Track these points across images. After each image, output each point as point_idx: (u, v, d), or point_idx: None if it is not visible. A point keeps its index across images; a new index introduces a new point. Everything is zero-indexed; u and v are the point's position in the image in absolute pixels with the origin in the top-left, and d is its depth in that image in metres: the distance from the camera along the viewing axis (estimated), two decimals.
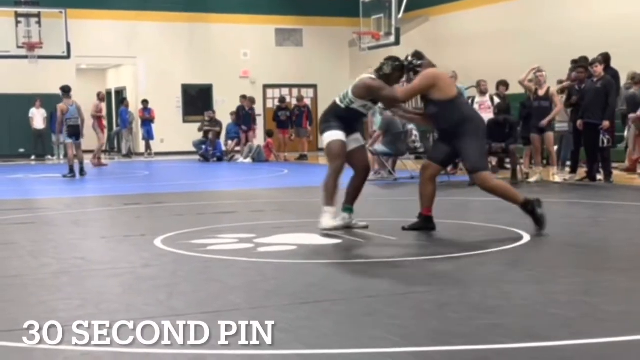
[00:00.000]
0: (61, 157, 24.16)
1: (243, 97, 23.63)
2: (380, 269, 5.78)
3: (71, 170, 16.06)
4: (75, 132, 16.19)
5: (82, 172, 16.26)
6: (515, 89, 15.42)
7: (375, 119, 15.16)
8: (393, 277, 5.44)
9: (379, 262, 6.03)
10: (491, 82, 16.95)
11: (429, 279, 5.32)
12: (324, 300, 4.69)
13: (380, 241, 6.92)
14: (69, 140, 16.29)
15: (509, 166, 14.28)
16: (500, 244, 6.70)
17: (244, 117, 23.11)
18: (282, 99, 24.20)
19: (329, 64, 28.28)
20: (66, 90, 16.35)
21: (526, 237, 6.97)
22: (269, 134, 23.16)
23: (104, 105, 22.25)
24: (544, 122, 13.19)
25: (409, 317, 4.24)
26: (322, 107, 30.18)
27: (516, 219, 8.35)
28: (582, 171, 13.69)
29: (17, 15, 23.24)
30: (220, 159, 22.91)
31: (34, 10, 23.37)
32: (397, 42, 23.17)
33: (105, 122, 22.61)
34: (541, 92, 13.35)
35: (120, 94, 28.90)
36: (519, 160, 13.44)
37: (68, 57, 23.51)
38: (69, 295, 4.92)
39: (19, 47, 23.09)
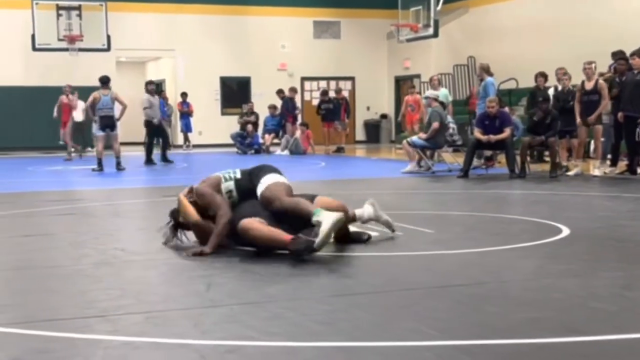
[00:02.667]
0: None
1: (292, 89, 23.71)
2: (417, 262, 5.77)
3: (99, 163, 15.82)
4: (109, 123, 15.95)
5: (118, 166, 15.96)
6: (554, 80, 15.26)
7: (428, 111, 15.08)
8: (430, 270, 5.42)
9: (415, 255, 6.01)
10: (530, 74, 16.81)
11: (466, 272, 5.29)
12: (360, 293, 4.69)
13: (417, 234, 6.90)
14: (100, 133, 16.10)
15: (548, 159, 14.16)
16: (539, 237, 6.65)
17: (292, 108, 23.06)
18: (324, 92, 24.08)
19: (367, 57, 28.23)
20: (103, 80, 16.19)
21: (565, 231, 6.91)
22: (306, 125, 23.16)
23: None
24: (592, 117, 13.05)
25: (447, 310, 4.23)
26: (360, 100, 30.45)
27: (555, 213, 8.29)
28: (622, 164, 13.54)
29: (59, 8, 23.47)
30: (257, 151, 22.98)
31: (75, 3, 23.60)
32: (435, 34, 23.06)
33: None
34: (589, 86, 13.19)
35: (159, 86, 29.08)
36: (559, 154, 13.32)
37: (108, 49, 23.73)
38: (109, 286, 4.97)
39: (59, 39, 23.32)
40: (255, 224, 5.81)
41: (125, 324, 4.03)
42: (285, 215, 5.94)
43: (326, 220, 5.61)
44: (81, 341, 3.74)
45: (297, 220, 5.88)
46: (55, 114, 20.70)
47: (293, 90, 23.83)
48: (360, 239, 6.34)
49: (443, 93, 17.42)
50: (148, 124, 18.39)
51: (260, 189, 6.13)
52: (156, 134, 18.59)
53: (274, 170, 6.37)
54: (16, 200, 10.33)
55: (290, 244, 5.61)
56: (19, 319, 4.14)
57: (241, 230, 5.82)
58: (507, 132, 13.15)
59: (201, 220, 6.13)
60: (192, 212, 6.13)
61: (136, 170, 16.40)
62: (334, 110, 22.98)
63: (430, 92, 16.11)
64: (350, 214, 6.51)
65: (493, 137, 13.06)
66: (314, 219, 5.70)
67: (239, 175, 6.33)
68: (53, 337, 3.80)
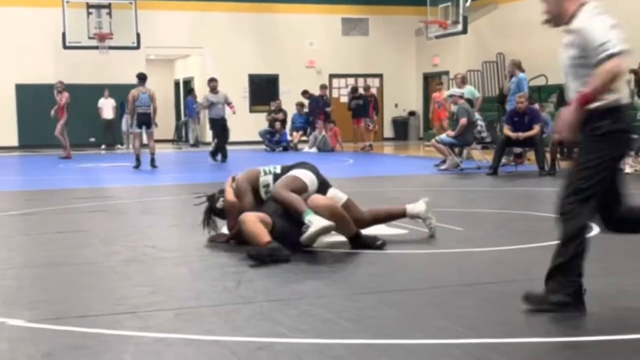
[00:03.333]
0: (130, 146, 24.56)
1: (323, 86, 23.76)
2: (446, 260, 5.76)
3: (137, 159, 15.94)
4: (145, 121, 15.99)
5: (152, 163, 15.98)
6: None
7: (454, 109, 15.02)
8: (459, 268, 5.42)
9: (444, 253, 6.00)
10: (560, 71, 16.69)
11: (496, 270, 5.28)
12: (389, 291, 4.70)
13: (446, 232, 6.89)
14: (137, 130, 16.17)
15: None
16: None
17: (323, 105, 23.04)
18: (354, 89, 23.99)
19: (395, 53, 28.18)
20: (141, 77, 16.21)
21: (596, 229, 6.86)
22: (333, 123, 23.15)
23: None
24: None
25: (476, 309, 4.22)
26: (388, 97, 30.27)
27: None
28: None
29: (89, 6, 23.65)
30: (285, 149, 23.03)
31: (105, 2, 23.77)
32: (464, 31, 23.00)
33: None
34: None
35: (188, 84, 29.24)
36: None
37: (137, 47, 23.88)
38: (140, 282, 5.02)
39: (90, 37, 23.50)
40: (249, 218, 5.83)
41: (156, 321, 4.07)
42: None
43: (315, 225, 5.64)
44: (112, 337, 3.79)
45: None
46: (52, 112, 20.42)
47: (324, 87, 23.88)
48: (372, 245, 6.11)
49: (468, 90, 17.33)
50: (211, 122, 18.42)
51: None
52: (220, 130, 18.56)
53: (308, 167, 6.38)
54: (48, 198, 10.44)
55: (258, 247, 5.57)
56: (51, 315, 4.20)
57: (239, 222, 5.89)
58: (536, 129, 13.07)
59: (235, 204, 6.23)
60: (229, 196, 6.30)
61: (167, 167, 16.46)
62: (363, 106, 22.93)
63: (453, 90, 16.06)
64: (401, 209, 6.53)
65: (522, 135, 12.99)
66: (306, 218, 5.71)
67: (278, 171, 6.38)
68: (85, 333, 3.85)
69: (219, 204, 6.43)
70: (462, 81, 17.69)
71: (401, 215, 6.55)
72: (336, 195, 6.26)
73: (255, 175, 6.40)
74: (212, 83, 18.73)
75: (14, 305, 4.48)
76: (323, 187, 6.30)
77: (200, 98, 26.28)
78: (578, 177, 4.06)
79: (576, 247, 4.03)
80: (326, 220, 5.71)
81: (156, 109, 16.26)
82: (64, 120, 19.78)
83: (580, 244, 4.05)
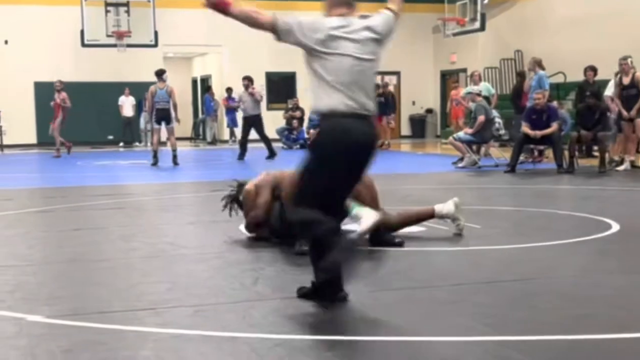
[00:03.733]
0: (148, 144, 24.64)
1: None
2: (465, 257, 5.74)
3: (154, 156, 15.91)
4: (164, 116, 15.96)
5: (174, 160, 15.93)
6: (603, 74, 15.06)
7: (472, 106, 14.98)
8: (478, 265, 5.40)
9: (463, 250, 5.99)
10: (579, 68, 16.60)
11: (515, 268, 5.26)
12: (408, 288, 4.69)
13: (465, 229, 6.86)
14: (156, 126, 16.14)
15: (597, 154, 13.99)
16: (588, 233, 6.58)
17: None
18: (376, 86, 23.95)
19: (413, 51, 28.10)
20: (159, 73, 16.23)
21: (615, 227, 6.82)
22: None
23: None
24: (633, 112, 12.88)
25: (496, 306, 4.21)
26: (406, 94, 30.13)
27: (605, 208, 8.20)
28: None
29: (107, 4, 23.75)
30: (303, 146, 23.03)
31: (123, 0, 23.85)
32: (482, 28, 22.93)
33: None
34: (626, 81, 13.06)
35: (205, 82, 29.29)
36: (607, 148, 13.15)
37: (155, 45, 23.95)
38: (158, 279, 5.03)
39: (108, 35, 23.60)
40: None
41: (175, 317, 4.07)
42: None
43: (367, 217, 5.59)
44: (131, 333, 3.80)
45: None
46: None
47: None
48: (391, 242, 6.09)
49: (484, 87, 17.28)
50: (244, 119, 18.53)
51: None
52: (252, 128, 18.52)
53: None
54: (67, 195, 10.49)
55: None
56: (70, 311, 4.21)
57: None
58: (554, 126, 13.01)
59: (251, 194, 6.31)
60: (250, 185, 6.39)
61: (185, 165, 16.46)
62: (385, 104, 22.84)
63: (470, 88, 16.01)
64: (430, 210, 6.50)
65: (539, 133, 12.93)
66: (354, 211, 5.69)
67: None
68: (103, 329, 3.86)
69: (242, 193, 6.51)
70: (479, 79, 17.65)
71: (430, 216, 6.51)
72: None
73: (282, 177, 6.39)
74: (245, 81, 18.71)
75: (34, 301, 4.50)
76: None
77: (217, 96, 26.43)
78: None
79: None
80: (373, 211, 5.71)
81: (176, 104, 16.23)
82: (59, 119, 19.87)
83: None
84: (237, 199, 6.57)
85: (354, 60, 4.41)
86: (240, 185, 6.59)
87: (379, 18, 4.62)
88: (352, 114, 4.30)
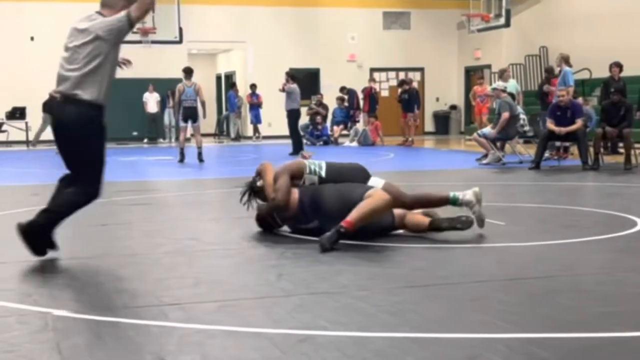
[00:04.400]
0: (172, 140, 24.75)
1: (372, 81, 23.79)
2: (488, 254, 5.74)
3: (181, 153, 15.97)
4: (191, 114, 15.98)
5: (199, 157, 15.97)
6: (629, 70, 14.95)
7: (496, 102, 14.92)
8: (501, 262, 5.39)
9: (486, 247, 5.98)
10: (604, 65, 16.50)
11: (538, 265, 5.24)
12: (431, 285, 4.69)
13: (488, 226, 6.84)
14: (182, 124, 16.14)
15: (622, 151, 13.89)
16: (613, 230, 6.55)
17: (372, 99, 22.96)
18: (401, 82, 23.84)
19: (437, 47, 28.04)
20: (186, 71, 16.30)
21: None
22: (374, 117, 23.12)
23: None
24: None
25: (519, 303, 4.20)
26: (430, 91, 30.09)
27: (630, 205, 8.15)
28: None
29: None
30: (326, 143, 23.06)
31: None
32: (507, 24, 22.81)
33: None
34: None
35: (229, 78, 29.38)
36: (633, 145, 13.06)
37: (180, 42, 24.04)
38: (183, 275, 5.06)
39: (133, 32, 23.62)
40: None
41: (199, 312, 4.10)
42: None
43: (469, 195, 6.33)
44: (156, 328, 3.83)
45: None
46: None
47: (373, 81, 23.92)
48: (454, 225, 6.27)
49: (512, 84, 17.20)
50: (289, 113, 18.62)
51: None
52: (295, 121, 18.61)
53: (367, 172, 6.47)
54: None
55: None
56: (95, 306, 4.26)
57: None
58: (579, 123, 12.93)
59: (270, 184, 6.35)
60: (269, 178, 6.41)
61: (209, 161, 16.49)
62: (408, 100, 22.76)
63: (498, 84, 15.94)
64: (444, 196, 6.48)
65: (564, 129, 12.86)
66: (463, 198, 6.31)
67: (324, 174, 6.38)
68: (129, 324, 3.90)
69: (259, 182, 6.51)
70: (509, 75, 17.44)
71: (444, 202, 6.46)
72: (375, 183, 6.36)
73: (299, 169, 6.44)
74: (286, 76, 18.78)
75: (59, 296, 4.55)
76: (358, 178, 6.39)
77: (241, 92, 26.50)
78: None
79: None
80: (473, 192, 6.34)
81: (204, 102, 16.28)
82: None
83: None
84: (252, 188, 6.56)
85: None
86: (258, 174, 6.61)
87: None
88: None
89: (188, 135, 16.91)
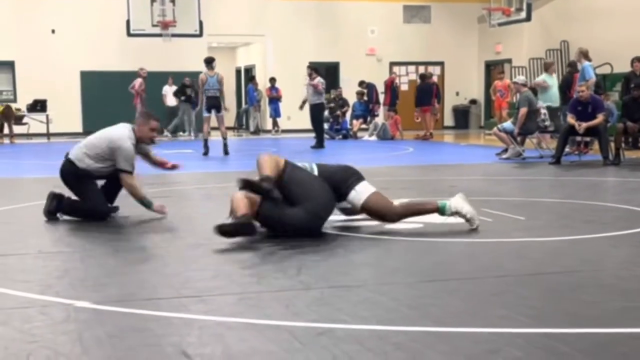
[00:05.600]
0: (192, 133, 24.80)
1: (394, 75, 23.80)
2: (507, 249, 5.72)
3: (205, 145, 15.91)
4: (215, 104, 15.91)
5: (225, 149, 15.88)
6: None
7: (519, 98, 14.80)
8: (522, 257, 5.37)
9: (506, 242, 5.96)
10: (626, 59, 16.39)
11: (558, 260, 5.23)
12: (451, 279, 4.69)
13: (508, 221, 6.84)
14: (206, 114, 16.07)
15: None
16: (634, 225, 6.50)
17: (393, 91, 22.90)
18: (422, 76, 23.76)
19: (457, 41, 27.93)
20: (208, 61, 16.22)
21: None
22: (394, 111, 23.08)
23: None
24: None
25: (540, 298, 4.19)
26: (449, 85, 29.99)
27: None
28: None
29: None
30: (345, 137, 23.05)
31: None
32: (528, 18, 22.71)
33: None
34: None
35: (249, 71, 29.41)
36: None
37: (200, 35, 24.06)
38: (203, 267, 5.09)
39: (153, 25, 23.76)
40: (236, 195, 6.04)
41: (219, 305, 4.12)
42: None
43: (456, 203, 6.25)
44: (177, 320, 3.85)
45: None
46: None
47: (394, 75, 23.89)
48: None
49: (548, 78, 16.53)
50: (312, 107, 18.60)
51: (359, 199, 6.23)
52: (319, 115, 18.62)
53: (361, 175, 6.39)
54: None
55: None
56: (117, 297, 4.28)
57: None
58: (600, 118, 12.86)
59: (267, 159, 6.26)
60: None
61: (233, 154, 16.41)
62: (423, 94, 22.69)
63: (518, 78, 15.84)
64: (432, 205, 6.42)
65: (584, 124, 12.79)
66: (451, 211, 6.24)
67: (315, 173, 6.30)
68: (150, 315, 3.92)
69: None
70: (553, 70, 16.79)
71: (433, 210, 6.38)
72: (365, 189, 6.30)
73: (279, 165, 6.22)
74: (308, 70, 18.76)
75: (81, 287, 4.58)
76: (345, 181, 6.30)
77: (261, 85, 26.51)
78: None
79: None
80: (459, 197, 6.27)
81: (224, 93, 16.23)
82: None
83: None
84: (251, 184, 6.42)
85: None
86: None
87: None
88: None
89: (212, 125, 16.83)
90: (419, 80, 23.14)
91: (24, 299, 4.28)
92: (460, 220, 6.33)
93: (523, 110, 13.98)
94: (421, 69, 26.49)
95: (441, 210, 6.30)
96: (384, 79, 23.86)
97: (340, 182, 6.27)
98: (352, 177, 6.34)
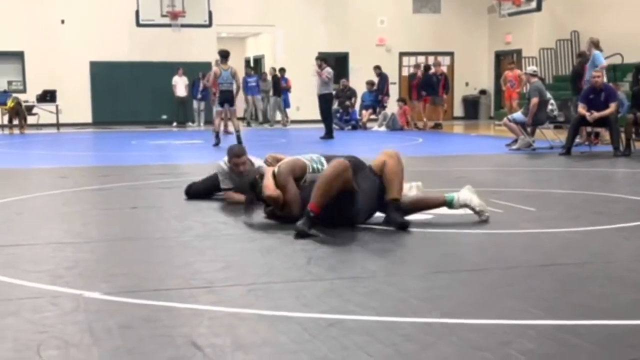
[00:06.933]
0: (201, 124, 24.82)
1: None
2: (518, 240, 5.70)
3: (217, 136, 15.91)
4: (227, 98, 15.91)
5: (238, 141, 15.54)
6: None
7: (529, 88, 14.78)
8: (532, 248, 5.36)
9: (516, 233, 5.94)
10: (637, 50, 16.29)
11: (569, 252, 5.21)
12: (461, 270, 4.67)
13: (519, 212, 6.81)
14: (219, 108, 16.10)
15: None
16: None
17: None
18: (427, 67, 23.65)
19: (467, 31, 27.83)
20: (222, 54, 16.18)
21: None
22: (403, 101, 23.04)
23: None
24: None
25: (550, 290, 4.18)
26: (459, 75, 29.93)
27: None
28: None
29: None
30: (354, 127, 23.01)
31: None
32: (538, 8, 22.60)
33: None
34: None
35: (258, 62, 29.37)
36: None
37: (209, 25, 24.07)
38: (212, 258, 5.09)
39: (163, 15, 23.77)
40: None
41: (229, 296, 4.12)
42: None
43: (464, 196, 6.21)
44: (187, 311, 3.85)
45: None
46: None
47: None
48: (396, 222, 5.99)
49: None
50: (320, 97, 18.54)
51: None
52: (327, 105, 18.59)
53: (364, 163, 6.32)
54: (123, 174, 10.64)
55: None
56: (127, 288, 4.28)
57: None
58: (612, 107, 12.80)
59: (279, 198, 6.16)
60: (270, 189, 6.15)
61: (245, 143, 16.40)
62: (429, 84, 22.60)
63: (530, 69, 15.78)
64: (440, 198, 6.40)
65: (596, 115, 12.73)
66: (459, 204, 6.20)
67: (325, 167, 6.27)
68: (160, 306, 3.92)
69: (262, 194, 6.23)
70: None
71: (440, 204, 6.36)
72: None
73: (301, 168, 6.28)
74: (318, 61, 18.71)
75: (91, 278, 4.59)
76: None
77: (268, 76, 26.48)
78: None
79: None
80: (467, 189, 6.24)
81: (240, 87, 16.21)
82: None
83: None
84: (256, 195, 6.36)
85: None
86: (252, 184, 6.40)
87: None
88: None
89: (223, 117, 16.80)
90: (419, 72, 23.04)
91: (34, 289, 4.28)
92: (470, 210, 6.30)
93: (534, 101, 13.93)
94: (431, 59, 26.40)
95: (449, 204, 6.28)
96: (393, 69, 23.78)
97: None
98: (358, 166, 6.31)
